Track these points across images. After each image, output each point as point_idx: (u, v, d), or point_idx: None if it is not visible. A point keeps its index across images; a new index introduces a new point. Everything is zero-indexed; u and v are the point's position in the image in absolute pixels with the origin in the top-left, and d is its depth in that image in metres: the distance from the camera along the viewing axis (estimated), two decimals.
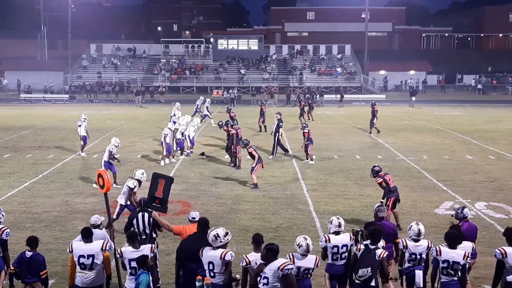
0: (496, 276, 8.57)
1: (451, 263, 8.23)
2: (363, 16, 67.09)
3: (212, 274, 8.07)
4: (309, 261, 8.35)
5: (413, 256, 8.85)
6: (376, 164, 14.49)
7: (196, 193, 17.27)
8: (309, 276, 8.47)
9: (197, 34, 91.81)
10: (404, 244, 8.89)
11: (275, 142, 23.66)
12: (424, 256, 8.82)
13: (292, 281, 7.48)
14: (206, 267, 8.10)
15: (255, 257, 8.00)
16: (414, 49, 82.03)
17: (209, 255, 8.08)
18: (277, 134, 23.62)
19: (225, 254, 7.97)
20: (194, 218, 9.49)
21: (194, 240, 8.61)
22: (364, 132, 30.95)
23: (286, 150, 24.03)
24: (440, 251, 8.32)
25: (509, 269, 8.39)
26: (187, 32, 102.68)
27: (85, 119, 23.88)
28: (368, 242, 8.52)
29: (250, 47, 72.24)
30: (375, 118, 29.96)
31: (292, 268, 7.46)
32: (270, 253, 7.53)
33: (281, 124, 23.97)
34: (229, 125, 22.24)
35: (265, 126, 31.07)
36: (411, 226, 9.02)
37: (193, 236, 8.81)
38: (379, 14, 76.27)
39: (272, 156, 23.32)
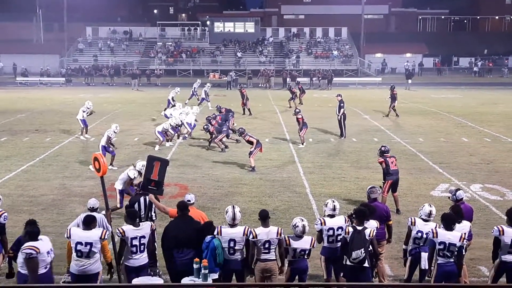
0: (494, 253, 8.67)
1: (447, 244, 8.30)
2: None
3: (232, 252, 8.43)
4: (305, 242, 8.50)
5: (420, 234, 8.89)
6: (385, 145, 14.67)
7: (193, 176, 17.34)
8: (305, 257, 8.59)
9: (193, 17, 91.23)
10: (412, 221, 8.98)
11: (341, 123, 23.97)
12: (430, 237, 8.84)
13: (31, 266, 7.66)
14: (225, 245, 8.41)
15: (261, 231, 8.48)
16: (411, 32, 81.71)
17: (229, 232, 8.43)
18: (340, 115, 23.87)
19: (248, 230, 8.45)
20: (189, 200, 9.56)
21: (177, 225, 8.70)
22: (360, 115, 30.95)
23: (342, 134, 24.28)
24: (436, 233, 8.38)
25: (504, 247, 8.50)
26: (183, 15, 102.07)
27: (89, 108, 24.07)
28: (354, 224, 8.66)
29: (246, 30, 71.91)
30: (396, 101, 29.93)
31: (31, 253, 7.63)
32: (27, 236, 7.93)
33: (342, 105, 23.96)
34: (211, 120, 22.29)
35: (248, 109, 31.18)
36: (424, 206, 9.13)
37: (176, 221, 8.88)
38: None
39: (343, 137, 23.72)
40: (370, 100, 36.60)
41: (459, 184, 16.01)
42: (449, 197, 10.37)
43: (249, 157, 18.11)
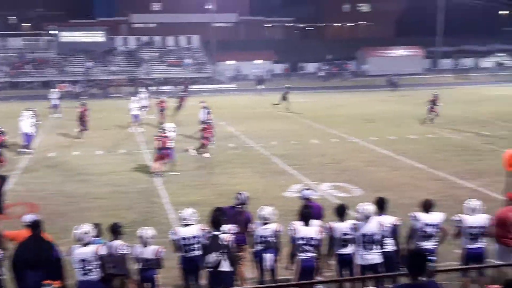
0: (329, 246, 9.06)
1: (308, 238, 8.74)
2: (208, 7, 67.45)
3: (84, 273, 8.06)
4: (148, 253, 8.57)
5: (263, 238, 9.19)
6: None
7: (43, 194, 16.45)
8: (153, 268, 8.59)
9: (38, 26, 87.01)
10: (254, 228, 9.29)
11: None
12: (273, 239, 9.17)
13: None
14: (77, 265, 8.08)
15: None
16: (260, 39, 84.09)
17: (80, 252, 8.06)
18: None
19: (99, 249, 8.12)
20: (28, 221, 8.93)
21: (29, 245, 8.20)
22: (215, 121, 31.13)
23: None
24: (296, 229, 8.80)
25: (338, 241, 8.92)
26: (27, 24, 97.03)
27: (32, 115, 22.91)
28: (210, 228, 8.75)
29: (95, 39, 69.91)
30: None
31: None
32: None
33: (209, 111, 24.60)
34: None
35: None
36: (262, 209, 9.35)
37: (27, 241, 8.35)
38: (224, 5, 77.07)
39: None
40: (224, 106, 37.04)
41: (310, 184, 16.65)
42: (299, 197, 10.80)
43: None
